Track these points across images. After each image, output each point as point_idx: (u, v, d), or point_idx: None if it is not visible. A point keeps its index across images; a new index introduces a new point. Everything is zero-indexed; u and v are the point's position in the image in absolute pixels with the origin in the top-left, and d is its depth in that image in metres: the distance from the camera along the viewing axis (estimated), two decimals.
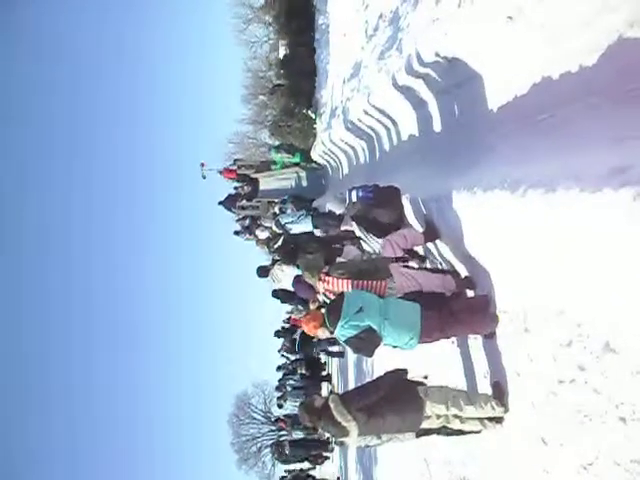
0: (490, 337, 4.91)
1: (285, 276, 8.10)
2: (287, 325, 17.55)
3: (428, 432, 4.62)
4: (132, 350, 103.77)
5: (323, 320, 4.81)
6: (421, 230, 6.21)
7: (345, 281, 5.11)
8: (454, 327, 4.80)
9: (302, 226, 9.06)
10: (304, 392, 15.76)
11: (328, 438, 12.57)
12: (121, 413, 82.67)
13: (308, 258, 5.50)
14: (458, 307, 5.07)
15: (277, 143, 20.81)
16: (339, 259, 5.65)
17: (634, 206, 2.54)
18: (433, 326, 4.66)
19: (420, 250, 6.70)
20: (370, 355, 4.66)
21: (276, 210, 12.65)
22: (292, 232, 9.22)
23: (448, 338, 5.04)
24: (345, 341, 4.54)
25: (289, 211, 11.24)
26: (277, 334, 17.04)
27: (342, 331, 4.48)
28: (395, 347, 4.63)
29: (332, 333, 4.79)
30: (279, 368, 19.06)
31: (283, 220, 10.05)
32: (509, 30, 4.53)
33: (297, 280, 5.73)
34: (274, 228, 10.96)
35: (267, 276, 8.73)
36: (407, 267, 5.53)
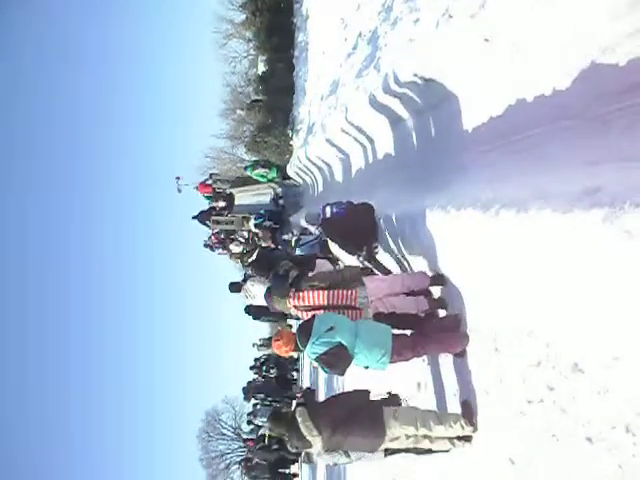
0: (460, 356, 4.91)
1: (259, 291, 8.02)
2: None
3: (397, 451, 4.60)
4: (101, 363, 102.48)
5: (296, 343, 4.74)
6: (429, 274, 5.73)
7: (318, 292, 5.05)
8: (425, 346, 4.79)
9: None
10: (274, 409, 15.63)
11: (297, 456, 12.45)
12: (89, 426, 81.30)
13: (273, 284, 5.46)
14: (430, 326, 5.09)
15: (253, 159, 20.78)
16: (311, 273, 5.59)
17: (604, 227, 2.57)
18: (405, 345, 4.65)
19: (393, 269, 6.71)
20: (342, 372, 4.56)
21: (251, 225, 12.64)
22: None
23: (419, 357, 5.03)
24: (316, 359, 4.47)
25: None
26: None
27: (313, 349, 4.40)
28: (367, 367, 4.57)
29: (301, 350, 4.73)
30: (250, 382, 18.91)
31: None
32: (485, 52, 4.59)
33: (268, 294, 5.66)
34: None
35: (239, 291, 8.64)
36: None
